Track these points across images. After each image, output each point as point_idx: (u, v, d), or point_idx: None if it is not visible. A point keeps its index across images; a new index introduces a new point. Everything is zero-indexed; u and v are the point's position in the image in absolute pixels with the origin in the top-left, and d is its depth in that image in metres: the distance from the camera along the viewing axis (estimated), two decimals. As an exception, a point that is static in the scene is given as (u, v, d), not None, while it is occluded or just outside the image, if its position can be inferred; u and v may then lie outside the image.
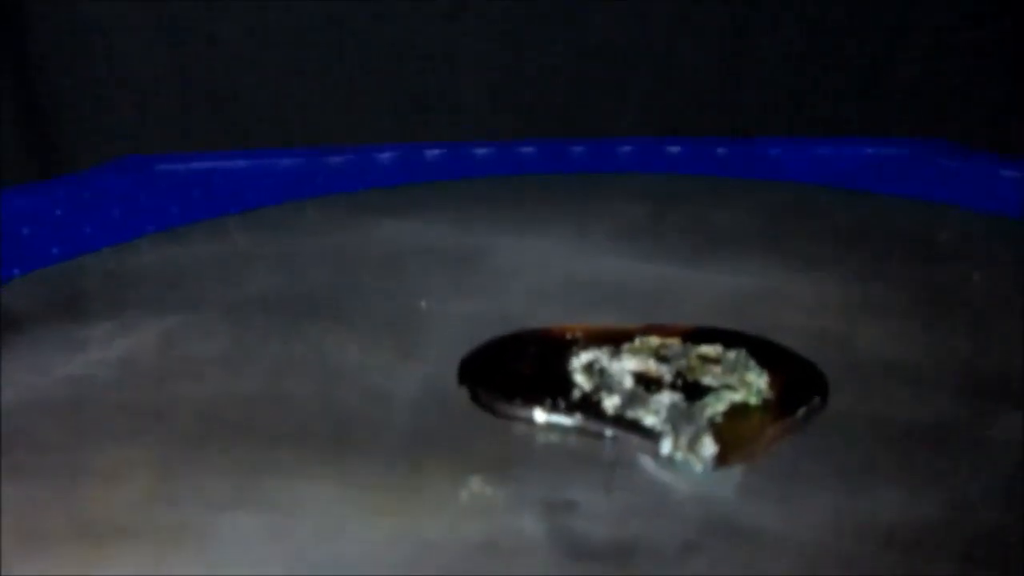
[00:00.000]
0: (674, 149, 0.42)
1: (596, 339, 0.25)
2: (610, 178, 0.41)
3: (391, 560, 0.17)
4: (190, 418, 0.22)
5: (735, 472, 0.20)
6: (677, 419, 0.21)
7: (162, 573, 0.17)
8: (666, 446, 0.20)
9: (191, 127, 0.47)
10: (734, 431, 0.21)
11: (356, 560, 0.17)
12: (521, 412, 0.22)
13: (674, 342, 0.25)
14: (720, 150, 0.42)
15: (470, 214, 0.36)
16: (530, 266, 0.31)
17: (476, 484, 0.19)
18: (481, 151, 0.42)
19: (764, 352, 0.24)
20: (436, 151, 0.42)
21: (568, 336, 0.25)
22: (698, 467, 0.20)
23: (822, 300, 0.28)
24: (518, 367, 0.24)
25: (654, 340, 0.25)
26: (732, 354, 0.24)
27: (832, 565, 0.17)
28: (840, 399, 0.23)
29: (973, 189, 0.39)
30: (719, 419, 0.21)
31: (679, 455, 0.20)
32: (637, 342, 0.25)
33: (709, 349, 0.24)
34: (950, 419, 0.22)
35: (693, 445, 0.20)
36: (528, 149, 0.42)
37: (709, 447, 0.20)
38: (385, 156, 0.42)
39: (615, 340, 0.25)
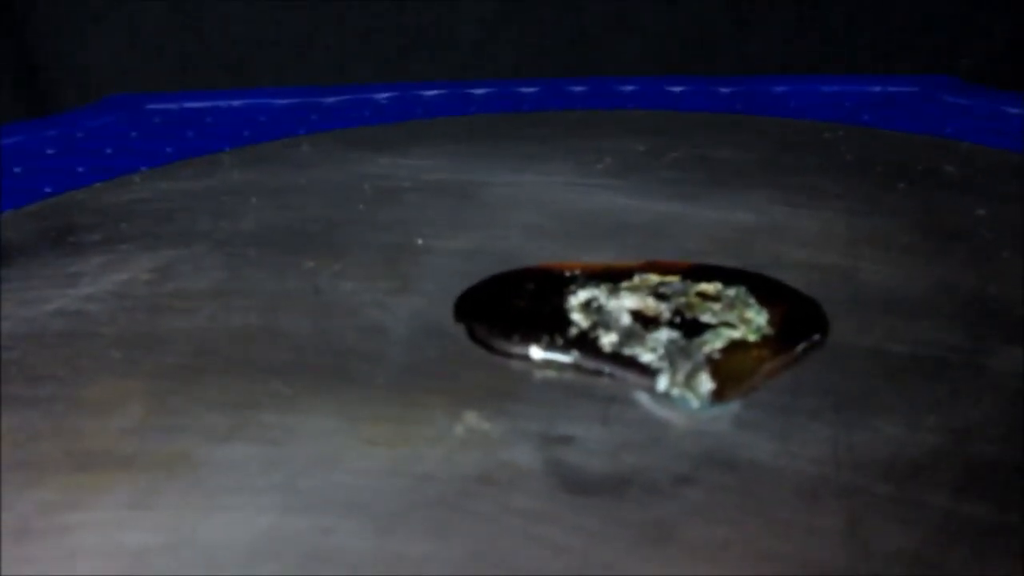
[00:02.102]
0: (677, 88, 0.41)
1: (594, 276, 0.25)
2: (612, 114, 0.40)
3: (385, 490, 0.17)
4: (184, 351, 0.22)
5: (732, 407, 0.20)
6: (674, 356, 0.21)
7: (157, 501, 0.17)
8: (663, 382, 0.20)
9: (183, 66, 0.47)
10: (731, 367, 0.21)
11: (350, 489, 0.17)
12: (518, 349, 0.22)
13: (674, 279, 0.24)
14: (724, 89, 0.41)
15: (469, 150, 0.36)
16: (528, 202, 0.31)
17: (472, 418, 0.19)
18: (480, 90, 0.42)
19: (764, 289, 0.24)
20: (434, 91, 0.42)
21: (566, 273, 0.25)
22: (695, 403, 0.20)
23: (825, 234, 0.28)
24: (515, 304, 0.24)
25: (653, 278, 0.24)
26: (732, 291, 0.24)
27: (829, 495, 0.17)
28: (840, 333, 0.22)
29: (980, 126, 0.38)
30: (717, 355, 0.21)
31: (676, 391, 0.20)
32: (636, 279, 0.24)
33: (708, 286, 0.24)
34: (950, 351, 0.21)
35: (690, 381, 0.20)
36: (528, 89, 0.42)
37: (706, 383, 0.20)
38: (382, 96, 0.42)
39: (614, 277, 0.24)
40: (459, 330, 0.23)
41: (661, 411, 0.20)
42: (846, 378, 0.21)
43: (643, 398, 0.20)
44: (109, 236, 0.29)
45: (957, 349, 0.22)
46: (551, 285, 0.24)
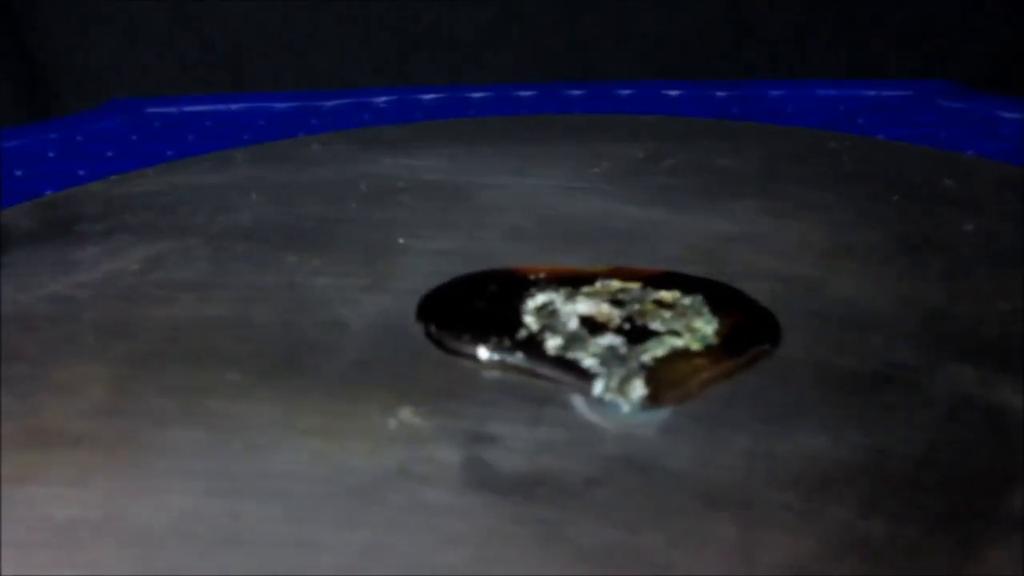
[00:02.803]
0: (674, 92, 0.41)
1: (558, 280, 0.25)
2: (618, 118, 0.40)
3: (306, 478, 0.18)
4: (153, 338, 0.23)
5: (662, 414, 0.20)
6: (612, 361, 0.21)
7: (93, 480, 0.18)
8: (598, 387, 0.21)
9: (183, 69, 0.48)
10: (667, 375, 0.21)
11: (273, 477, 0.18)
12: (468, 348, 0.22)
13: (635, 286, 0.25)
14: (720, 93, 0.41)
15: (471, 151, 0.36)
16: (516, 205, 0.31)
17: (406, 414, 0.20)
18: (478, 94, 0.42)
19: (723, 299, 0.24)
20: (432, 94, 0.43)
21: (531, 276, 0.25)
22: (626, 408, 0.20)
23: (803, 246, 0.28)
24: (474, 305, 0.24)
25: (615, 283, 0.25)
26: (688, 300, 0.24)
27: (732, 505, 0.17)
28: (792, 346, 0.22)
29: (975, 130, 0.38)
30: (652, 363, 0.21)
31: (609, 396, 0.20)
32: (598, 285, 0.25)
33: (667, 294, 0.24)
34: (896, 368, 0.21)
35: (623, 387, 0.20)
36: (527, 92, 0.42)
37: (639, 389, 0.20)
38: (381, 100, 0.43)
39: (576, 282, 0.25)
40: (418, 329, 0.24)
41: (591, 415, 0.20)
42: (783, 391, 0.21)
43: (578, 402, 0.20)
44: (111, 227, 0.30)
45: (903, 366, 0.21)
46: (513, 287, 0.25)
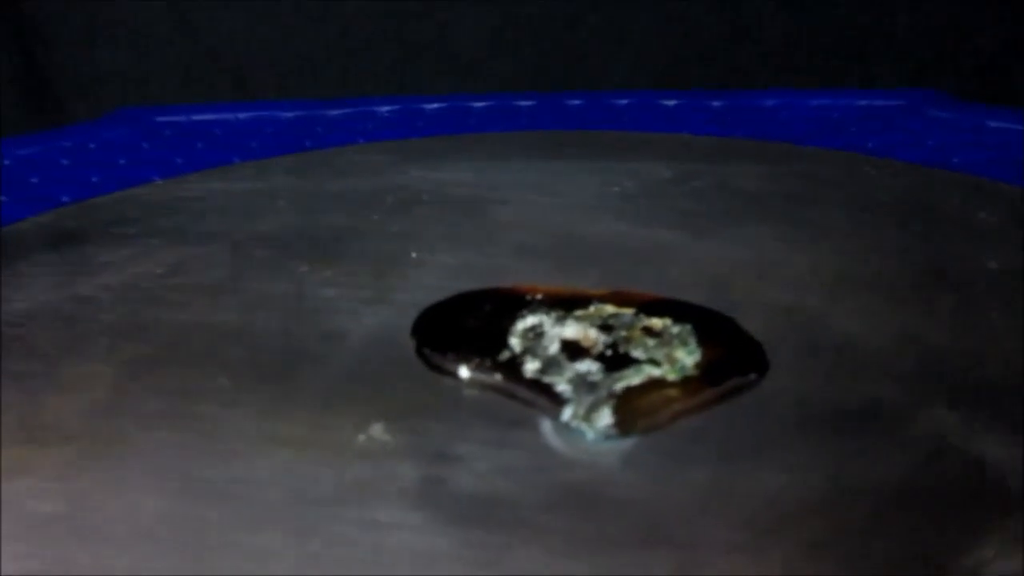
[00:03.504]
0: (671, 102, 0.41)
1: (553, 302, 0.25)
2: (655, 137, 0.40)
3: (266, 486, 0.19)
4: (160, 341, 0.24)
5: (627, 444, 0.20)
6: (580, 388, 0.21)
7: (77, 475, 0.19)
8: (567, 412, 0.21)
9: (189, 79, 0.50)
10: (637, 405, 0.21)
11: (243, 483, 0.19)
12: (451, 366, 0.23)
13: (628, 311, 0.25)
14: (715, 102, 0.41)
15: (501, 166, 0.37)
16: (532, 222, 0.31)
17: (378, 429, 0.21)
18: (479, 103, 0.43)
19: (714, 328, 0.24)
20: (434, 104, 0.43)
21: (528, 297, 0.26)
22: (591, 435, 0.20)
23: (812, 275, 0.27)
24: (466, 323, 0.25)
25: (609, 308, 0.25)
26: (677, 328, 0.24)
27: (674, 542, 0.17)
28: (777, 380, 0.22)
29: (962, 139, 0.37)
30: (626, 392, 0.21)
31: (575, 423, 0.20)
32: (592, 308, 0.25)
33: (657, 321, 0.24)
34: (879, 407, 0.21)
35: (590, 414, 0.20)
36: (526, 102, 0.42)
37: (605, 417, 0.20)
38: (384, 109, 0.43)
39: (571, 305, 0.25)
40: (411, 344, 0.24)
41: (556, 440, 0.20)
42: (756, 426, 0.20)
43: (546, 426, 0.21)
44: (145, 230, 0.32)
45: (888, 407, 0.21)
46: (507, 307, 0.25)
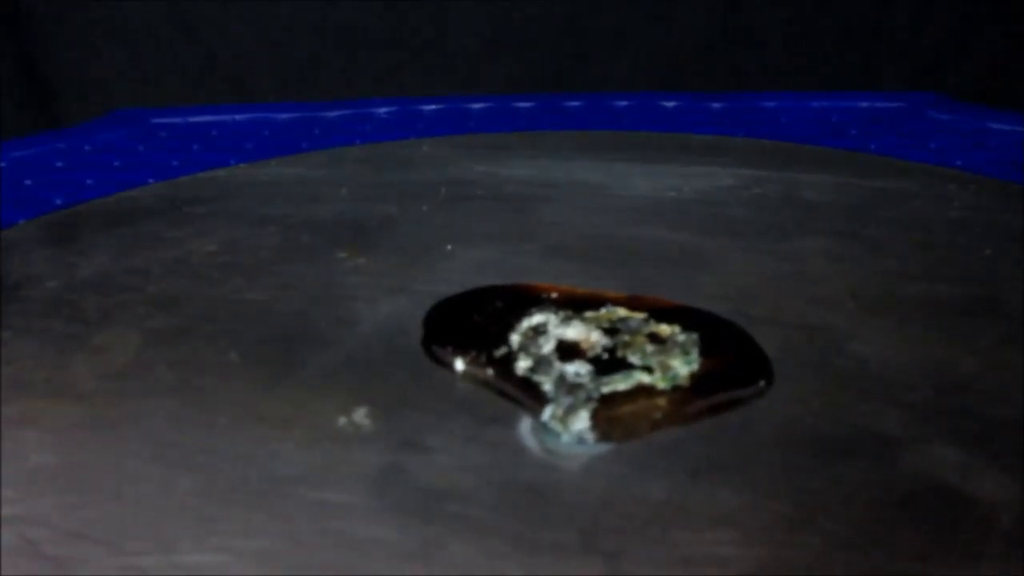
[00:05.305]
0: (670, 104, 0.40)
1: (565, 302, 0.25)
2: (730, 142, 0.39)
3: (233, 460, 0.20)
4: (190, 315, 0.26)
5: (597, 450, 0.20)
6: (561, 389, 0.21)
7: (75, 431, 0.21)
8: (547, 413, 0.21)
9: (187, 81, 0.50)
10: (618, 411, 0.20)
11: (208, 453, 0.20)
12: (448, 359, 0.23)
13: (639, 316, 0.24)
14: (715, 104, 0.39)
15: (563, 166, 0.37)
16: (574, 222, 0.31)
17: (359, 414, 0.21)
18: (478, 105, 0.42)
19: (723, 340, 0.23)
20: (433, 105, 0.43)
21: (543, 295, 0.26)
22: (564, 438, 0.20)
23: (850, 294, 0.26)
24: (473, 318, 0.25)
25: (621, 311, 0.24)
26: (683, 337, 0.23)
27: (605, 551, 0.17)
28: (775, 399, 0.21)
29: (964, 141, 0.35)
30: (609, 397, 0.21)
31: (552, 423, 0.20)
32: (603, 311, 0.25)
33: (666, 328, 0.24)
34: (872, 440, 0.20)
35: (567, 416, 0.20)
36: (525, 104, 0.42)
37: (580, 421, 0.20)
38: (382, 111, 0.43)
39: (583, 306, 0.25)
40: (419, 334, 0.25)
41: (530, 440, 0.20)
42: (735, 444, 0.20)
43: (524, 425, 0.21)
44: (214, 210, 0.33)
45: (882, 438, 0.20)
46: (518, 305, 0.25)
